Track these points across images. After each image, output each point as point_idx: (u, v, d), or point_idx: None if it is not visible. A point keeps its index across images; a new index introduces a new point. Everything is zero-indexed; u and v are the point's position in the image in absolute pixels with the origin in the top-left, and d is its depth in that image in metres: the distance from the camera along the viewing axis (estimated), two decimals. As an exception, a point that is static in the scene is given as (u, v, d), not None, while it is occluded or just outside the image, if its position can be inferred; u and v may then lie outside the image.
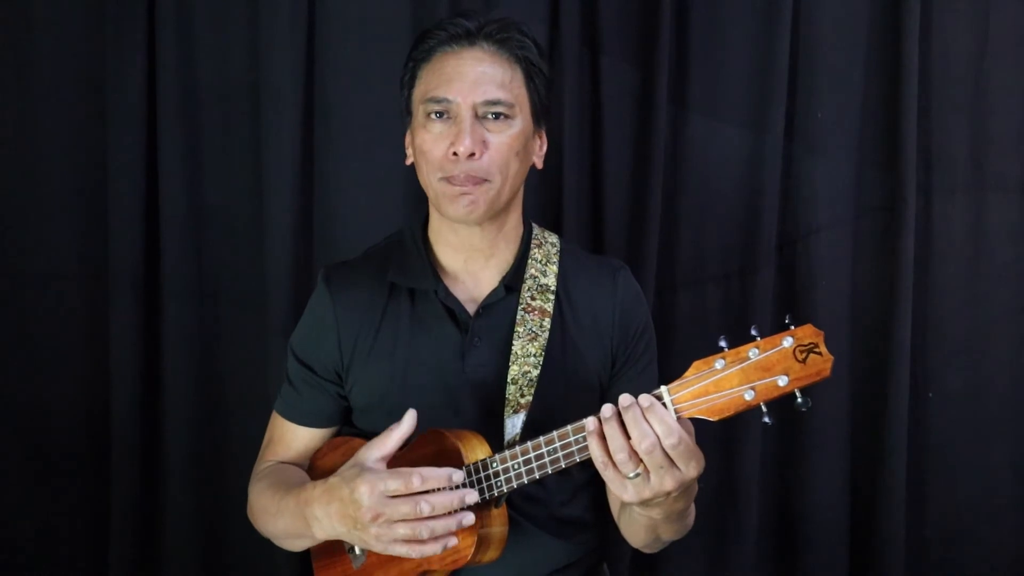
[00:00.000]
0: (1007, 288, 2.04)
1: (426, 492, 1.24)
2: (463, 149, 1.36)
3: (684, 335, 2.04)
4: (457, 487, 1.26)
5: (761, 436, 2.03)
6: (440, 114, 1.39)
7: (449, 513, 1.25)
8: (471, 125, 1.37)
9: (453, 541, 1.26)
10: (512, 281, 1.47)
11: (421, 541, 1.25)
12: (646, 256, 1.99)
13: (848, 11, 2.00)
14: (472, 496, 1.26)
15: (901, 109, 1.97)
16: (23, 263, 2.03)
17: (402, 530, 1.24)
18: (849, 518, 2.09)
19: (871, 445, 2.04)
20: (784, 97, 1.98)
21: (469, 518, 1.26)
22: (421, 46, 1.44)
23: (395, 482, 1.24)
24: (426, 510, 1.23)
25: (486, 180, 1.39)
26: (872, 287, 2.05)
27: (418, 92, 1.43)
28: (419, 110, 1.42)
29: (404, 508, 1.24)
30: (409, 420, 1.31)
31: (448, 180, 1.39)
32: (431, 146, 1.39)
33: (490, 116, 1.39)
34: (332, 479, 1.32)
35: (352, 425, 1.54)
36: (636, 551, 1.51)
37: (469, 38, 1.41)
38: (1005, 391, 2.05)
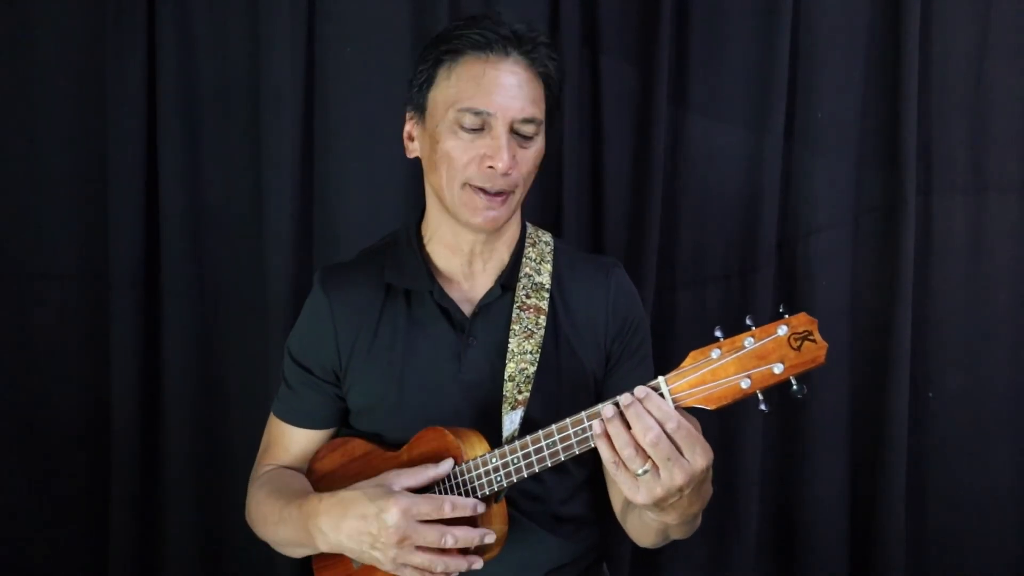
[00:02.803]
0: (1007, 288, 2.03)
1: (452, 523, 1.26)
2: (502, 166, 1.35)
3: (684, 335, 2.04)
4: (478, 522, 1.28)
5: (761, 436, 2.03)
6: (473, 123, 1.37)
7: (463, 552, 1.28)
8: (508, 141, 1.36)
9: None
10: (508, 280, 1.48)
11: (432, 573, 1.27)
12: (646, 256, 1.99)
13: (848, 11, 2.00)
14: (491, 537, 1.28)
15: (901, 109, 1.97)
16: (23, 263, 2.03)
17: (419, 559, 1.26)
18: (849, 518, 2.08)
19: (871, 445, 2.04)
20: (784, 97, 1.98)
21: (478, 564, 1.29)
22: (445, 45, 1.40)
23: (427, 506, 1.26)
24: (450, 543, 1.25)
25: (512, 192, 1.40)
26: (872, 287, 2.04)
27: (445, 95, 1.39)
28: (448, 115, 1.38)
29: (431, 536, 1.25)
30: (447, 465, 1.32)
31: (474, 190, 1.39)
32: (460, 154, 1.38)
33: (522, 133, 1.38)
34: (347, 493, 1.31)
35: (349, 426, 1.54)
36: (636, 550, 1.52)
37: (504, 47, 1.38)
38: (1005, 391, 2.05)
